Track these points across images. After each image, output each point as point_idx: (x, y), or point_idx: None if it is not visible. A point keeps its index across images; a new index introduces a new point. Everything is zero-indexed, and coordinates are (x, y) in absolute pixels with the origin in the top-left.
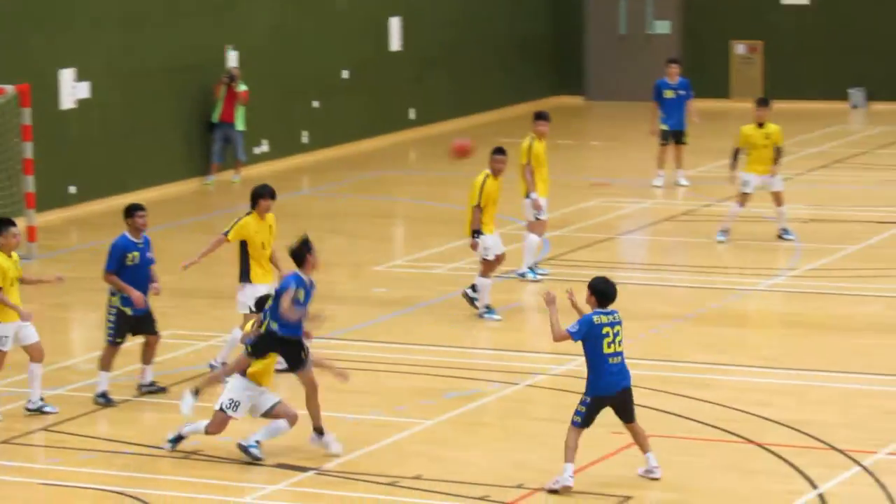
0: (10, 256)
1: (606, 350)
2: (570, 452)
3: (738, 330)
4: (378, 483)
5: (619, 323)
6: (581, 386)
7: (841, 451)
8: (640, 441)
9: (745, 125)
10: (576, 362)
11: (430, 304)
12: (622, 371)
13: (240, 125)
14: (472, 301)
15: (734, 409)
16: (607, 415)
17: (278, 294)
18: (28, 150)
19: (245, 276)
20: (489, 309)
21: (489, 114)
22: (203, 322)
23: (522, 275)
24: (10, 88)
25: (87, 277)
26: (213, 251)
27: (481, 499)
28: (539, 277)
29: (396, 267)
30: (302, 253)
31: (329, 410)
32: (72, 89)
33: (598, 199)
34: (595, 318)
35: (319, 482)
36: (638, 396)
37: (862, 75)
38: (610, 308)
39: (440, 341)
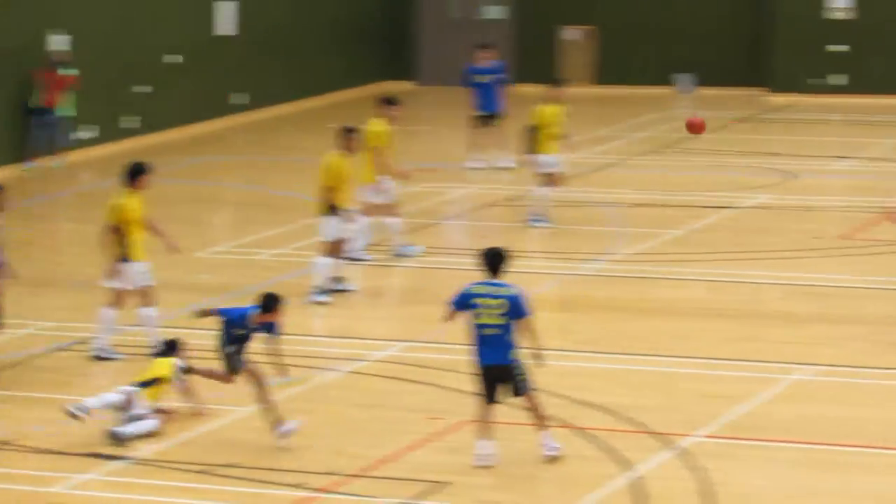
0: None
1: (477, 321)
2: (482, 430)
3: (558, 314)
4: (190, 471)
5: (502, 296)
6: (402, 372)
7: (659, 434)
8: (537, 417)
9: (542, 105)
10: (396, 348)
11: (254, 291)
12: (499, 344)
13: (66, 110)
14: (340, 291)
15: (553, 393)
16: (425, 400)
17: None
18: None
19: (127, 255)
20: (327, 292)
21: (322, 98)
22: (19, 310)
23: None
24: None
25: None
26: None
27: (295, 486)
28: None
29: (219, 253)
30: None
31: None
32: None
33: (422, 184)
34: (472, 287)
35: (132, 471)
36: (455, 382)
37: (690, 61)
38: (498, 281)
39: None
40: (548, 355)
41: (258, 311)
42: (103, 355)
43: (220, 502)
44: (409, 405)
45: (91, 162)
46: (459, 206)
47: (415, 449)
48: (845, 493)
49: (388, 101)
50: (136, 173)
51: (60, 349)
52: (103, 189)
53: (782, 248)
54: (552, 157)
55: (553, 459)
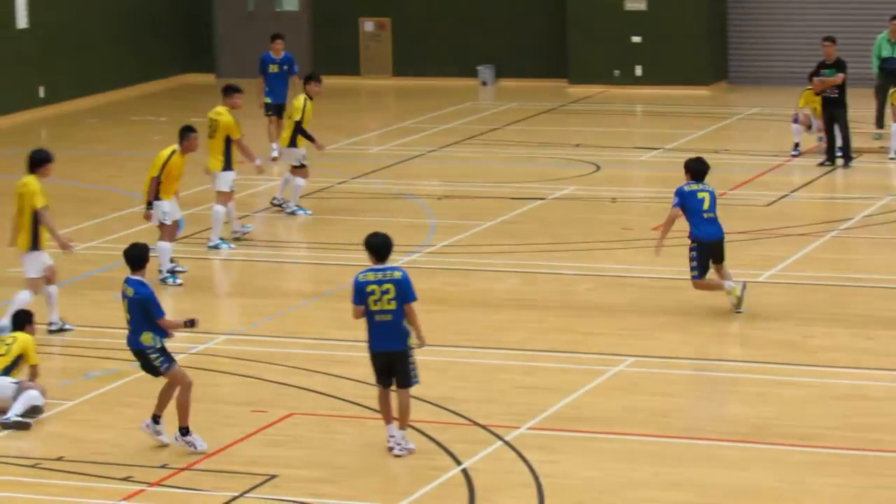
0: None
1: (372, 307)
2: (384, 414)
3: None
4: (20, 465)
5: (391, 281)
6: (223, 364)
7: (483, 427)
8: (401, 413)
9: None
10: (216, 340)
11: (67, 284)
12: (392, 330)
13: None
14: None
15: (371, 384)
16: (248, 392)
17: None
18: None
19: (36, 243)
20: (172, 274)
21: (118, 92)
22: None
23: (215, 246)
24: None
25: None
26: None
27: (125, 479)
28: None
29: None
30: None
31: None
32: None
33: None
34: (361, 275)
35: None
36: (279, 374)
37: (490, 52)
38: (386, 265)
39: (80, 322)
40: (362, 348)
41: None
42: None
43: (51, 496)
44: (231, 398)
45: None
46: (266, 197)
47: (242, 441)
48: (670, 483)
49: (231, 88)
50: (43, 161)
51: None
52: None
53: (592, 239)
54: (303, 150)
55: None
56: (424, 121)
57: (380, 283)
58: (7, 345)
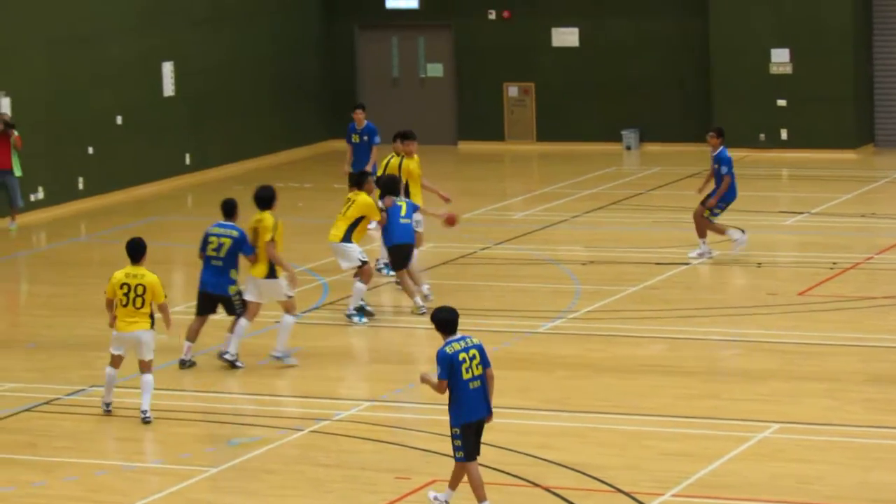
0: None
1: (465, 376)
2: (476, 490)
3: (518, 372)
4: None
5: (476, 347)
6: (367, 431)
7: (627, 494)
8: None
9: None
10: (359, 407)
11: (211, 351)
12: (483, 397)
13: (17, 171)
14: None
15: (516, 451)
16: (391, 459)
17: None
18: None
19: (272, 272)
20: (360, 312)
21: (264, 158)
22: None
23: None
24: None
25: None
26: None
27: None
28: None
29: (176, 314)
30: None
31: (110, 459)
32: None
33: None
34: (448, 348)
35: None
36: (422, 441)
37: (634, 116)
38: (460, 335)
39: (222, 388)
40: (508, 414)
41: None
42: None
43: None
44: (375, 464)
45: (39, 224)
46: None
47: None
48: None
49: (402, 135)
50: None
51: (25, 410)
52: (55, 250)
53: (738, 304)
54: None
55: None
56: (568, 186)
57: (466, 350)
58: None
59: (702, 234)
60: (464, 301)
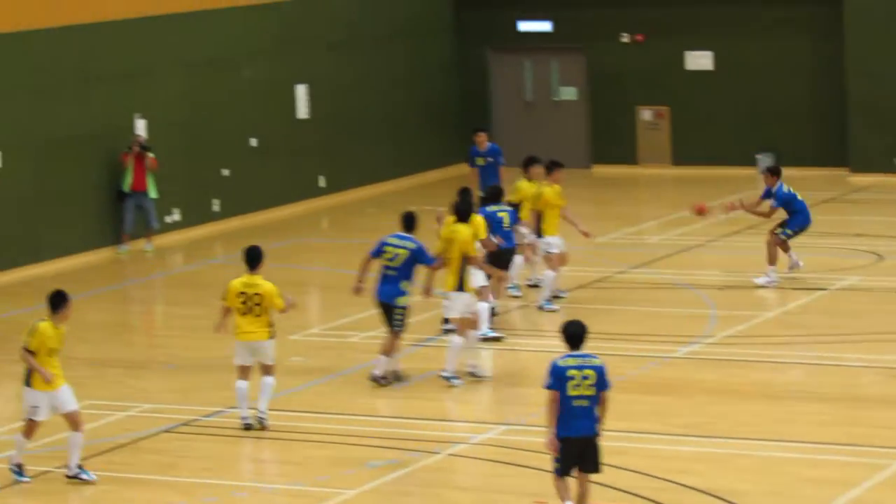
0: (57, 328)
1: (571, 392)
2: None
3: (655, 398)
4: None
5: (594, 368)
6: (504, 455)
7: None
8: (585, 499)
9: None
10: (496, 430)
11: (347, 374)
12: (587, 416)
13: (152, 193)
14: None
15: (653, 476)
16: (528, 483)
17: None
18: None
19: (461, 285)
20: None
21: (397, 181)
22: (121, 393)
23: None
24: None
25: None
26: None
27: None
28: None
29: (312, 336)
30: None
31: (248, 480)
32: None
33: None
34: (561, 361)
35: None
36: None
37: (770, 140)
38: (584, 352)
39: (359, 410)
40: (646, 439)
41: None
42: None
43: None
44: (512, 488)
45: (175, 245)
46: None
47: None
48: None
49: (554, 164)
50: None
51: (165, 431)
52: (191, 272)
53: (878, 330)
54: (556, 238)
55: None
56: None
57: (580, 368)
58: None
59: (772, 262)
60: (600, 325)
